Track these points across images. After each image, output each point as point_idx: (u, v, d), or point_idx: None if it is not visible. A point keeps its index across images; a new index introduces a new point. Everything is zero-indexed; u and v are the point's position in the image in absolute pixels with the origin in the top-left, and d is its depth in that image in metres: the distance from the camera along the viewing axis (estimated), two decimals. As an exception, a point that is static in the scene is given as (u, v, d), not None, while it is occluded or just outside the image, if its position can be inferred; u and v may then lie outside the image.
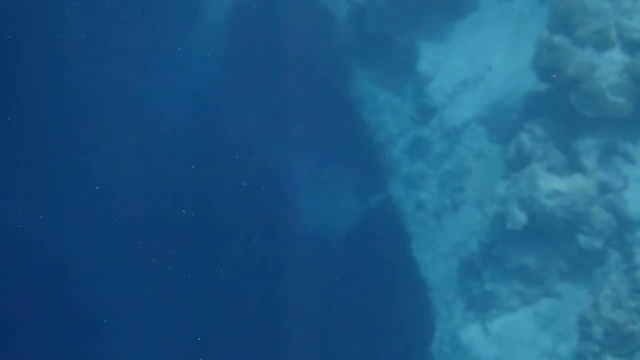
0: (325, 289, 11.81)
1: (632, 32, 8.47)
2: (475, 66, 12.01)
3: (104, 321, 12.33)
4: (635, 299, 7.02)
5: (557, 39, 8.92)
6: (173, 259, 12.97)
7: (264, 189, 13.23)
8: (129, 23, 14.60)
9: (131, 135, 13.83)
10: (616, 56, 8.60)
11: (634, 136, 8.63)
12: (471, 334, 9.23)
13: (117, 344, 12.24)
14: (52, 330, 12.25)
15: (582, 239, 8.45)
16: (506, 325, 8.91)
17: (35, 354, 12.02)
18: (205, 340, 12.11)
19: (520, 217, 8.82)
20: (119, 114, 13.96)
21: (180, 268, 12.86)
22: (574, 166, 8.74)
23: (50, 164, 13.07)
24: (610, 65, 8.53)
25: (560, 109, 9.04)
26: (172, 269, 12.78)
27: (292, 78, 14.00)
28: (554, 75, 8.90)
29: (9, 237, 12.32)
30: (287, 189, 13.40)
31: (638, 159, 8.57)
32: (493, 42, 11.94)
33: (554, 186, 8.55)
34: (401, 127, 13.01)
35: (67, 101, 13.36)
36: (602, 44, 8.68)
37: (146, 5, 15.08)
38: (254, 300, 12.36)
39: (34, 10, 13.73)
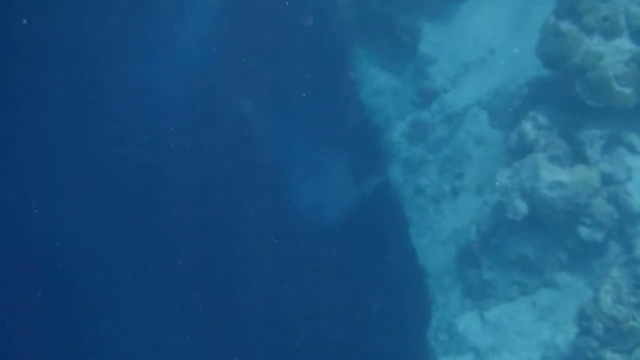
0: (320, 273, 11.79)
1: (641, 20, 8.27)
2: (478, 49, 11.79)
3: (105, 320, 12.34)
4: (637, 295, 6.96)
5: (565, 25, 8.71)
6: (170, 243, 12.90)
7: (259, 170, 13.13)
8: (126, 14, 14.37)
9: (128, 123, 13.67)
10: (624, 44, 8.41)
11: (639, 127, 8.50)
12: (468, 322, 9.21)
13: (116, 342, 12.27)
14: (51, 330, 12.27)
15: (583, 231, 8.37)
16: (504, 315, 8.88)
17: (34, 352, 12.04)
18: (202, 329, 12.12)
19: (521, 207, 8.73)
20: (116, 104, 13.80)
21: (176, 253, 12.80)
22: (577, 156, 8.62)
23: (46, 161, 12.94)
24: (618, 53, 8.35)
25: (564, 97, 8.89)
26: (168, 254, 12.74)
27: (290, 56, 13.79)
28: (559, 63, 8.69)
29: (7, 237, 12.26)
30: (283, 170, 13.28)
31: (642, 151, 8.44)
32: (497, 24, 11.71)
33: (556, 177, 8.44)
34: (401, 110, 12.83)
35: (62, 95, 13.18)
36: (610, 32, 8.49)
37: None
38: (250, 284, 12.35)
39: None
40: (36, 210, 12.47)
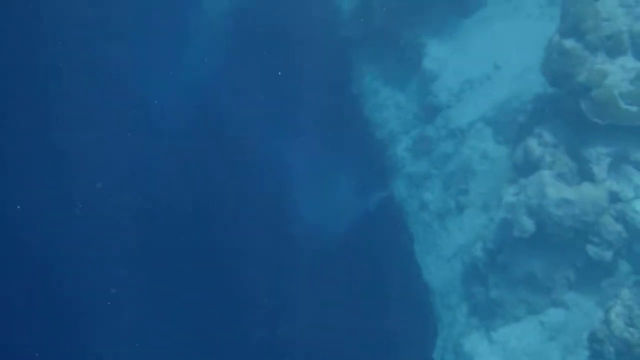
0: (324, 290, 11.74)
1: (646, 38, 8.27)
2: (482, 65, 11.79)
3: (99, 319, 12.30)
4: (648, 317, 6.90)
5: (569, 43, 8.71)
6: (172, 254, 12.90)
7: (265, 185, 13.12)
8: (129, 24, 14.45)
9: (130, 129, 13.70)
10: (629, 63, 8.41)
11: (646, 145, 8.46)
12: (475, 342, 9.12)
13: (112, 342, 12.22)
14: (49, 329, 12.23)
15: (591, 249, 8.32)
16: (512, 335, 8.80)
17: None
18: (201, 339, 12.07)
19: (528, 224, 8.68)
20: (119, 109, 13.84)
21: (179, 264, 12.79)
22: (583, 174, 8.58)
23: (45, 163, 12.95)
24: (623, 72, 8.34)
25: (570, 114, 8.86)
26: (170, 265, 12.73)
27: (295, 71, 13.80)
28: (564, 81, 8.67)
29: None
30: (289, 185, 13.27)
31: (649, 169, 8.40)
32: (501, 40, 11.72)
33: (563, 195, 8.39)
34: (405, 125, 12.82)
35: (66, 100, 13.21)
36: (614, 50, 8.49)
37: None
38: (252, 300, 12.31)
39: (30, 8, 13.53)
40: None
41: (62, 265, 12.41)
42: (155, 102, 13.57)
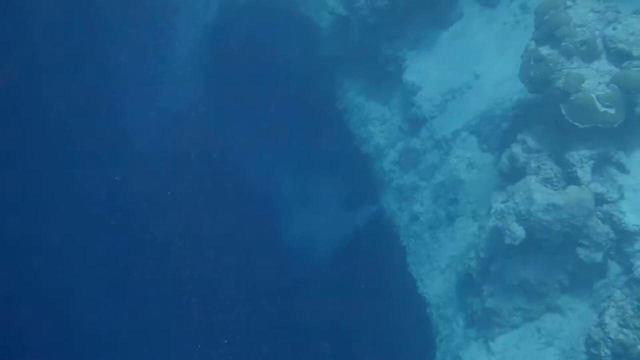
0: (317, 307, 11.72)
1: (618, 42, 8.41)
2: (463, 75, 11.92)
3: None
4: (641, 318, 6.96)
5: (545, 50, 8.84)
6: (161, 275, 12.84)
7: (251, 205, 13.12)
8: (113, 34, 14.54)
9: (108, 155, 13.72)
10: (604, 66, 8.54)
11: (627, 145, 8.57)
12: (474, 353, 9.13)
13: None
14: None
15: (581, 252, 8.38)
16: (510, 344, 8.82)
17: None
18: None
19: (518, 231, 8.74)
20: (102, 122, 13.88)
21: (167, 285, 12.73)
22: (568, 178, 8.66)
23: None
24: (599, 76, 8.46)
25: (551, 119, 8.97)
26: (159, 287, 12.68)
27: (277, 89, 13.89)
28: (543, 87, 8.80)
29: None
30: (275, 205, 13.27)
31: (632, 169, 8.50)
32: (479, 50, 11.86)
33: (550, 199, 8.47)
34: (390, 138, 12.91)
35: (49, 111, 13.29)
36: (589, 55, 8.62)
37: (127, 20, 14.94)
38: (247, 320, 12.27)
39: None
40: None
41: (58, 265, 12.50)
42: (134, 128, 13.60)
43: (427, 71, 12.36)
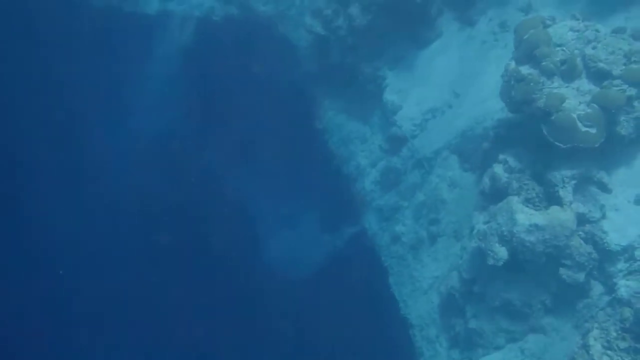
0: (298, 330, 11.50)
1: (598, 62, 8.45)
2: (443, 93, 11.92)
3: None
4: (625, 339, 6.89)
5: (525, 69, 8.85)
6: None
7: (230, 228, 12.87)
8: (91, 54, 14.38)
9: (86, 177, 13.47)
10: (584, 86, 8.56)
11: (608, 165, 8.58)
12: (458, 375, 9.00)
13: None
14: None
15: (564, 273, 8.33)
16: (494, 365, 8.71)
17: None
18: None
19: (501, 252, 8.67)
20: (72, 147, 13.65)
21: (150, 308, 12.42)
22: (550, 198, 8.63)
23: None
24: (579, 95, 8.49)
25: (532, 139, 8.96)
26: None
27: (255, 109, 13.74)
28: (524, 107, 8.79)
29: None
30: (255, 228, 13.05)
31: (613, 188, 8.50)
32: (458, 68, 11.88)
33: (532, 220, 8.43)
34: (371, 157, 12.83)
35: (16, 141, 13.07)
36: (569, 74, 8.65)
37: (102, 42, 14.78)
38: (228, 345, 11.98)
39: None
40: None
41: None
42: (105, 152, 13.38)
43: (407, 90, 12.35)
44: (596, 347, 6.99)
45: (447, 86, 11.84)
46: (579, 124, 8.28)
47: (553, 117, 8.41)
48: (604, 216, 8.41)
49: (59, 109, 14.01)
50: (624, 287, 7.78)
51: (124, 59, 14.68)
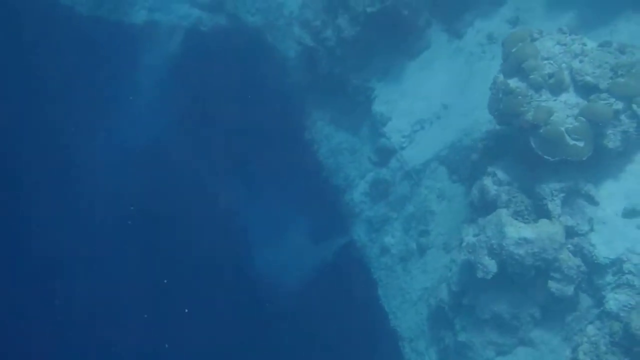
0: (286, 342, 11.43)
1: (585, 75, 8.49)
2: (431, 105, 11.94)
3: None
4: (615, 353, 6.91)
5: (513, 82, 8.87)
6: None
7: (218, 240, 12.79)
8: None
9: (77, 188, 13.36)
10: (571, 99, 8.60)
11: (595, 177, 8.62)
12: (448, 389, 8.97)
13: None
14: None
15: (553, 285, 8.34)
16: (483, 379, 8.69)
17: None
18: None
19: (490, 265, 8.67)
20: (58, 158, 13.56)
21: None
22: (539, 211, 8.65)
23: None
24: (567, 108, 8.52)
25: (520, 152, 8.98)
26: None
27: (243, 119, 13.69)
28: (513, 120, 8.81)
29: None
30: (244, 240, 12.97)
31: (601, 201, 8.53)
32: (446, 80, 11.91)
33: (521, 233, 8.43)
34: (360, 169, 12.81)
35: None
36: (556, 88, 8.68)
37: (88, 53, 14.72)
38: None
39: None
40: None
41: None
42: (92, 164, 13.29)
43: (395, 101, 12.35)
44: (586, 361, 6.99)
45: (436, 98, 11.86)
46: (567, 137, 8.31)
47: (541, 130, 8.43)
48: (592, 229, 8.43)
49: (45, 119, 13.91)
50: (613, 300, 7.81)
51: (110, 69, 14.61)
